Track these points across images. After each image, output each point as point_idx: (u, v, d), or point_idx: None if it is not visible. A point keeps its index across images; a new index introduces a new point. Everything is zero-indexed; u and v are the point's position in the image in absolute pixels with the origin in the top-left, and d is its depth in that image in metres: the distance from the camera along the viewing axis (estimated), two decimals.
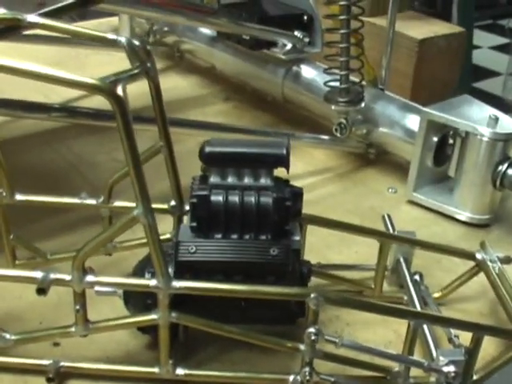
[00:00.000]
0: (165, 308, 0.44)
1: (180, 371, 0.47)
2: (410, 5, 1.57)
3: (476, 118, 0.66)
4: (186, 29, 0.94)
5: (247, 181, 0.47)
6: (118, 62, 1.03)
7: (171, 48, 1.00)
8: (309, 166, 0.76)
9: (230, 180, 0.47)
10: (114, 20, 1.08)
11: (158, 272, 0.43)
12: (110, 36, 0.48)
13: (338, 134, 0.72)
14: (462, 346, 0.46)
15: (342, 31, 0.68)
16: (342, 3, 0.67)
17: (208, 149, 0.46)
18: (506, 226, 0.68)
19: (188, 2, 0.83)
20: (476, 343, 0.45)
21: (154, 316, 0.44)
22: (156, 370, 0.47)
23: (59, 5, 0.55)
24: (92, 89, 0.41)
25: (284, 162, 0.46)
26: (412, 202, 0.70)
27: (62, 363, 0.47)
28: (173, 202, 0.53)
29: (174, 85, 0.95)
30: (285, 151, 0.46)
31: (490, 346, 0.50)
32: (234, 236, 0.45)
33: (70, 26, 0.47)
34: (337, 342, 0.43)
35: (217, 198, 0.45)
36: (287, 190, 0.47)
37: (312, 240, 0.61)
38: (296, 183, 0.72)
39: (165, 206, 0.53)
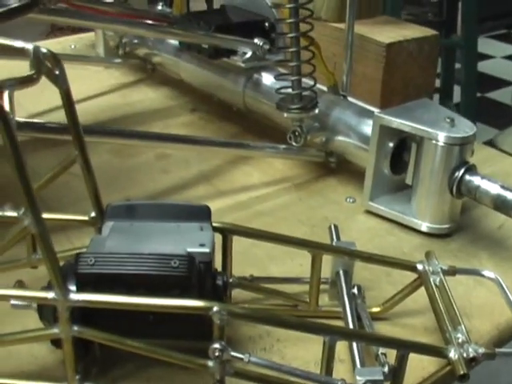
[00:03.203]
0: (65, 321, 0.41)
1: None
2: (401, 10, 1.55)
3: (432, 121, 0.62)
4: (156, 41, 0.93)
5: None
6: (93, 74, 1.03)
7: (143, 60, 0.98)
8: (266, 176, 0.73)
9: None
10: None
11: (55, 284, 0.41)
12: (18, 44, 0.47)
13: (293, 143, 0.69)
14: (387, 363, 0.43)
15: (291, 35, 0.65)
16: (288, 6, 0.64)
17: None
18: (468, 235, 0.65)
19: (145, 11, 0.82)
20: (400, 361, 0.42)
21: (55, 330, 0.42)
22: None
23: None
24: None
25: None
26: (369, 212, 0.67)
27: None
28: (93, 214, 0.50)
29: (144, 97, 0.93)
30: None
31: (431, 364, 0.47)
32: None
33: None
34: (243, 358, 0.40)
35: None
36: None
37: (256, 252, 0.59)
38: (250, 194, 0.70)
39: (85, 218, 0.50)
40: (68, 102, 0.48)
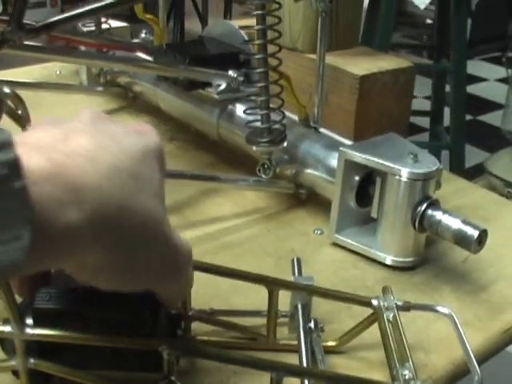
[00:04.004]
0: (21, 354, 0.43)
1: None
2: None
3: (396, 157, 0.63)
4: None
5: None
6: (76, 100, 1.04)
7: (124, 89, 1.00)
8: (237, 207, 0.74)
9: None
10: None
11: (11, 318, 0.42)
12: None
13: (262, 175, 0.70)
14: None
15: (259, 70, 0.67)
16: (256, 42, 0.66)
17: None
18: (432, 269, 0.65)
19: (124, 43, 0.83)
20: None
21: (12, 362, 0.44)
22: None
23: None
24: None
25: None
26: (336, 244, 0.68)
27: None
28: None
29: None
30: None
31: None
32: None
33: None
34: None
35: None
36: None
37: (220, 283, 0.60)
38: (219, 225, 0.71)
39: None
40: None
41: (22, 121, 0.48)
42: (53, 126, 0.37)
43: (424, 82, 2.65)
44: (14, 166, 0.30)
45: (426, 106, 2.44)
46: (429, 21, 3.78)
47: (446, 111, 2.31)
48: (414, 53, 3.50)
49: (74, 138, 0.36)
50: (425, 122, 2.37)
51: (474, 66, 3.11)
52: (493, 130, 2.78)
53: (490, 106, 3.00)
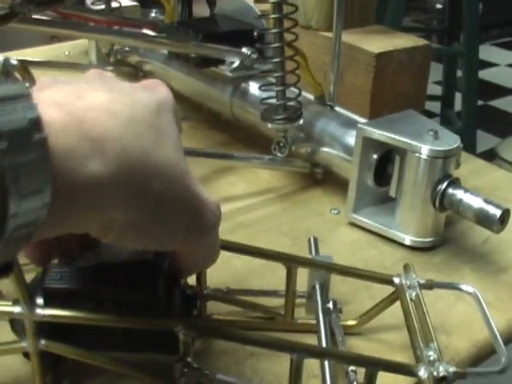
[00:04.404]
0: (32, 335, 0.41)
1: None
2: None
3: (415, 134, 0.62)
4: (147, 49, 0.92)
5: None
6: None
7: (135, 68, 0.98)
8: (251, 186, 0.72)
9: None
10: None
11: (21, 299, 0.41)
12: None
13: (278, 153, 0.69)
14: (356, 381, 0.42)
15: (275, 45, 0.65)
16: (272, 16, 0.64)
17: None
18: (451, 249, 0.64)
19: (134, 20, 0.82)
20: (370, 379, 0.41)
21: (23, 344, 0.42)
22: None
23: None
24: None
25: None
26: (353, 224, 0.66)
27: None
28: None
29: None
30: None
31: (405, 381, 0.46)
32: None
33: None
34: (209, 375, 0.40)
35: None
36: None
37: (236, 264, 0.59)
38: (233, 204, 0.70)
39: None
40: None
41: None
42: (63, 84, 0.36)
43: (434, 67, 2.62)
44: (33, 119, 0.29)
45: (437, 91, 2.41)
46: (439, 6, 3.74)
47: (457, 96, 2.29)
48: (424, 37, 3.46)
49: (87, 94, 0.34)
50: (436, 107, 2.34)
51: (486, 51, 3.07)
52: (504, 115, 2.75)
53: (502, 91, 2.96)
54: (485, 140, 2.49)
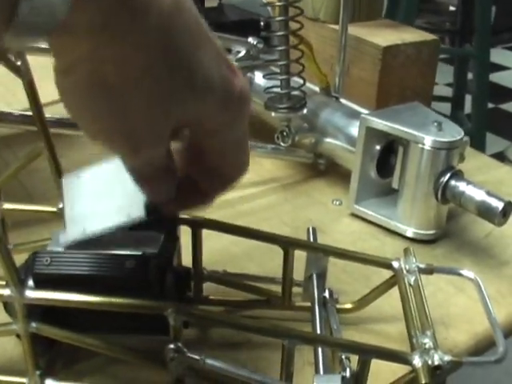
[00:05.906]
0: (22, 318, 0.41)
1: (50, 383, 0.43)
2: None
3: (419, 125, 0.61)
4: None
5: None
6: None
7: None
8: (254, 175, 0.72)
9: None
10: None
11: (10, 281, 0.40)
12: None
13: (281, 143, 0.68)
14: (349, 368, 0.42)
15: (279, 33, 0.65)
16: (278, 4, 0.64)
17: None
18: (453, 242, 0.63)
19: None
20: (362, 367, 0.41)
21: (14, 326, 0.42)
22: (25, 380, 0.44)
23: None
24: None
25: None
26: (355, 215, 0.66)
27: None
28: (61, 205, 0.50)
29: None
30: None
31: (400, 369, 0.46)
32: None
33: None
34: (199, 360, 0.40)
35: None
36: None
37: (234, 250, 0.58)
38: (235, 193, 0.69)
39: (53, 209, 0.50)
40: (32, 93, 0.47)
41: (22, 72, 0.46)
42: None
43: (445, 69, 2.61)
44: None
45: (448, 92, 2.40)
46: (452, 8, 3.72)
47: (467, 99, 2.27)
48: None
49: None
50: (446, 108, 2.33)
51: (497, 55, 3.05)
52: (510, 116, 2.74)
53: None
54: (494, 143, 2.47)
